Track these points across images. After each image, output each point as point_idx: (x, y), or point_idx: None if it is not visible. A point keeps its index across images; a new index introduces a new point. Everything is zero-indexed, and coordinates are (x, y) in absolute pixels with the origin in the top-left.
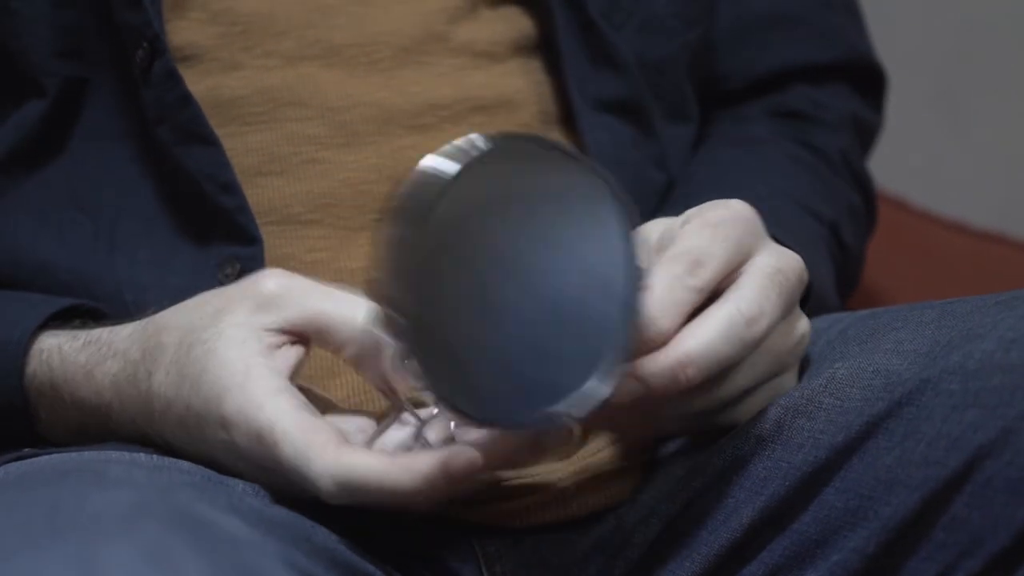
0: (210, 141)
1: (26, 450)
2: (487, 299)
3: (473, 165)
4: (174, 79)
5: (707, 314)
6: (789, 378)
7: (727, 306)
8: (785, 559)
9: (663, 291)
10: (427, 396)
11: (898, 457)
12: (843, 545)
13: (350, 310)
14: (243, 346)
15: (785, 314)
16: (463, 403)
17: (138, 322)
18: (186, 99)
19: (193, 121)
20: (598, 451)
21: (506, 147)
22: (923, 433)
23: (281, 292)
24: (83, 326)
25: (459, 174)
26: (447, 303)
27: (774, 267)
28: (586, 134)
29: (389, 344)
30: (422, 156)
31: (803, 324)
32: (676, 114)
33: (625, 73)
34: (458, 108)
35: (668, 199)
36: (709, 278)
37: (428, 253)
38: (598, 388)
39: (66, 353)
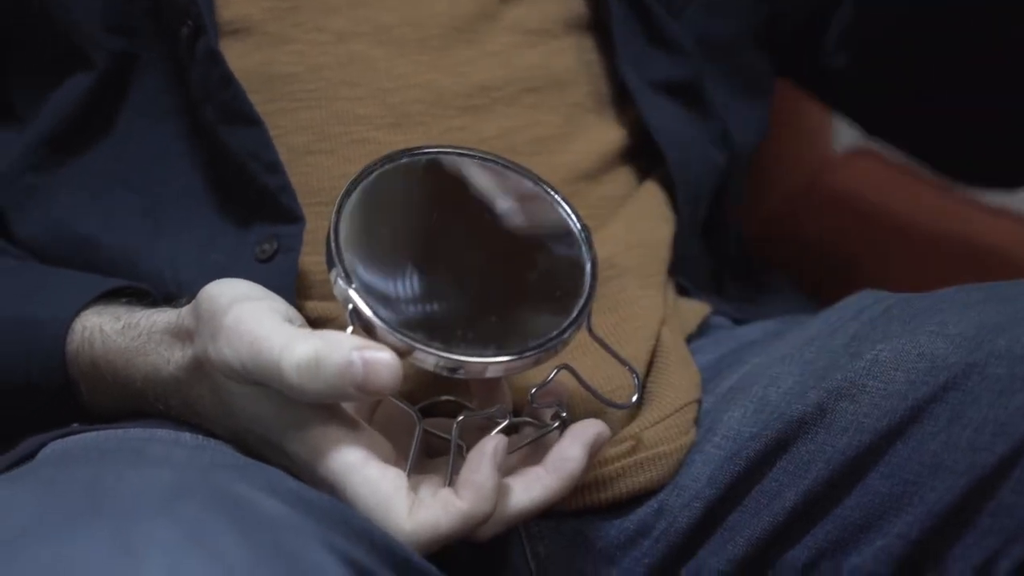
0: (253, 121)
1: (74, 425)
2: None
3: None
4: (216, 59)
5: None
6: None
7: None
8: (828, 544)
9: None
10: (445, 365)
11: (944, 442)
12: (887, 530)
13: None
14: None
15: None
16: (501, 352)
17: (171, 316)
18: (228, 79)
19: (236, 100)
20: (640, 432)
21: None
22: (969, 418)
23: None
24: (128, 303)
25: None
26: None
27: None
28: (647, 113)
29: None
30: (472, 137)
31: None
32: (749, 91)
33: (681, 55)
34: (509, 89)
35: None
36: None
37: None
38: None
39: (107, 334)
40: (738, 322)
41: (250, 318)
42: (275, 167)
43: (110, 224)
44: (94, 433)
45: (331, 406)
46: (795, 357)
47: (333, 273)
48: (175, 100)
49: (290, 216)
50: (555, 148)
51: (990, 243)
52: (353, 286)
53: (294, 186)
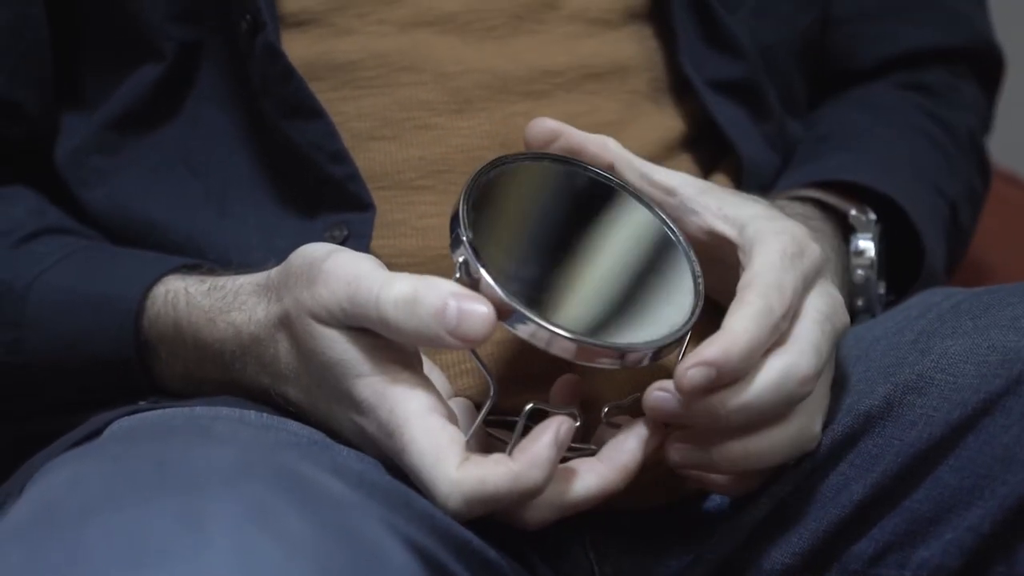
0: (316, 113)
1: (141, 403)
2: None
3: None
4: (276, 54)
5: (768, 367)
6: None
7: (786, 360)
8: (896, 537)
9: (754, 325)
10: (539, 335)
11: (1016, 436)
12: (957, 524)
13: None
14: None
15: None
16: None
17: (259, 276)
18: (288, 73)
19: (298, 94)
20: None
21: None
22: None
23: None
24: (211, 270)
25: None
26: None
27: (824, 315)
28: (712, 108)
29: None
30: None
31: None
32: (785, 104)
33: (742, 56)
34: (571, 75)
35: (783, 174)
36: (787, 321)
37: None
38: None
39: (191, 295)
40: None
41: (350, 261)
42: (341, 156)
43: (174, 207)
44: (160, 411)
45: (411, 362)
46: (860, 357)
47: (456, 232)
48: (238, 89)
49: (360, 204)
50: (615, 134)
51: None
52: (471, 238)
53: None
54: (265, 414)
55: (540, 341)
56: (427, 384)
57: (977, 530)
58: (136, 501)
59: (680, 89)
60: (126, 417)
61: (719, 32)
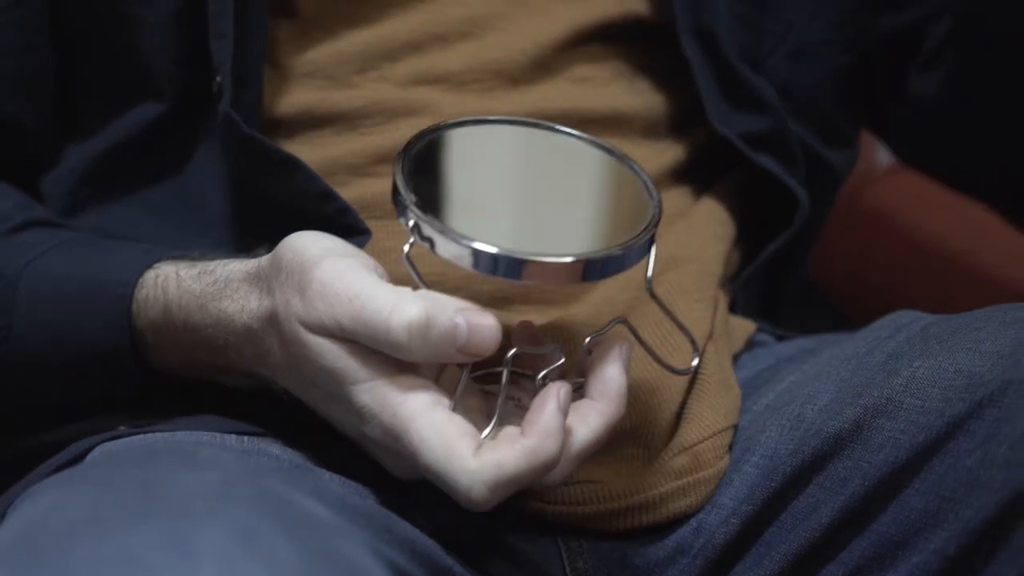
0: (292, 168)
1: (121, 428)
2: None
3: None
4: (230, 124)
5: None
6: None
7: None
8: (865, 560)
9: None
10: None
11: (980, 459)
12: (923, 547)
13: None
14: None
15: None
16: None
17: (249, 264)
18: (247, 141)
19: (265, 156)
20: (677, 453)
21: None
22: (1005, 435)
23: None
24: (198, 259)
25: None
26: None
27: None
28: (749, 156)
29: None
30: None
31: None
32: (829, 139)
33: (766, 110)
34: (566, 120)
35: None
36: None
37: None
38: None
39: (182, 279)
40: (779, 339)
41: (347, 273)
42: (328, 196)
43: (165, 238)
44: (142, 436)
45: (403, 362)
46: (831, 375)
47: (399, 198)
48: None
49: (354, 231)
50: None
51: None
52: (415, 200)
53: (350, 201)
54: (246, 438)
55: (501, 268)
56: (423, 380)
57: (943, 553)
58: (122, 526)
59: (681, 124)
60: (108, 442)
61: (741, 89)
